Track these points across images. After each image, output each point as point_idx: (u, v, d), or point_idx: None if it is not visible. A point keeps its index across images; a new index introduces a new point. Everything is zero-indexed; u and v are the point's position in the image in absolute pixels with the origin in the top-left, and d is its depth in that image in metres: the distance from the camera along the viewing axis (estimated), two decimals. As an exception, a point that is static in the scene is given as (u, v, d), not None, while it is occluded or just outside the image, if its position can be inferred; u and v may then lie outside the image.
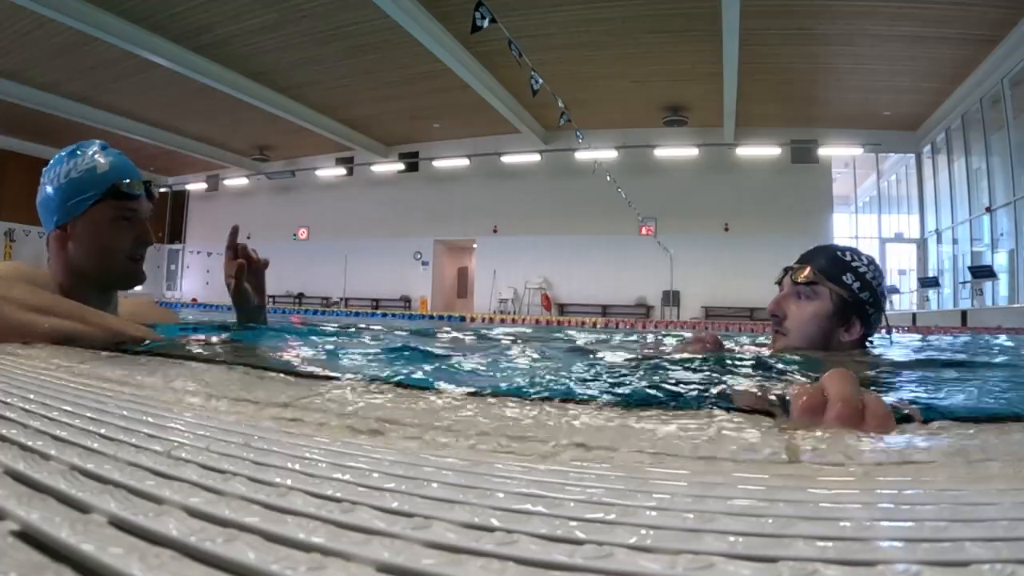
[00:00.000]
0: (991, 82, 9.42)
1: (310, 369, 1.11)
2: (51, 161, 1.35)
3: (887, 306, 1.44)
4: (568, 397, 0.59)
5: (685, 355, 1.56)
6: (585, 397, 0.68)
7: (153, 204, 1.42)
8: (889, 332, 1.80)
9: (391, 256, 15.80)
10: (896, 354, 1.56)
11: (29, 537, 0.24)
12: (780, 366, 1.30)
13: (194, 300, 15.06)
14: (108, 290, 1.40)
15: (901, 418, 0.48)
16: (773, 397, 0.53)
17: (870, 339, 1.42)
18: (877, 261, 1.44)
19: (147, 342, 1.12)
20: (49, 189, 1.32)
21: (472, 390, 0.66)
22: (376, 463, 0.35)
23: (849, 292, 1.34)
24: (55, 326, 1.01)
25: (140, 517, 0.25)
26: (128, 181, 1.34)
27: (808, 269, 1.38)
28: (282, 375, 0.74)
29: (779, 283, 1.46)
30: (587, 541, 0.24)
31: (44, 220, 1.34)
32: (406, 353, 1.59)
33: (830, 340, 1.35)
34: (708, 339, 1.46)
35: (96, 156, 1.33)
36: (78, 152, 1.34)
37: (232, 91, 11.49)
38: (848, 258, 1.38)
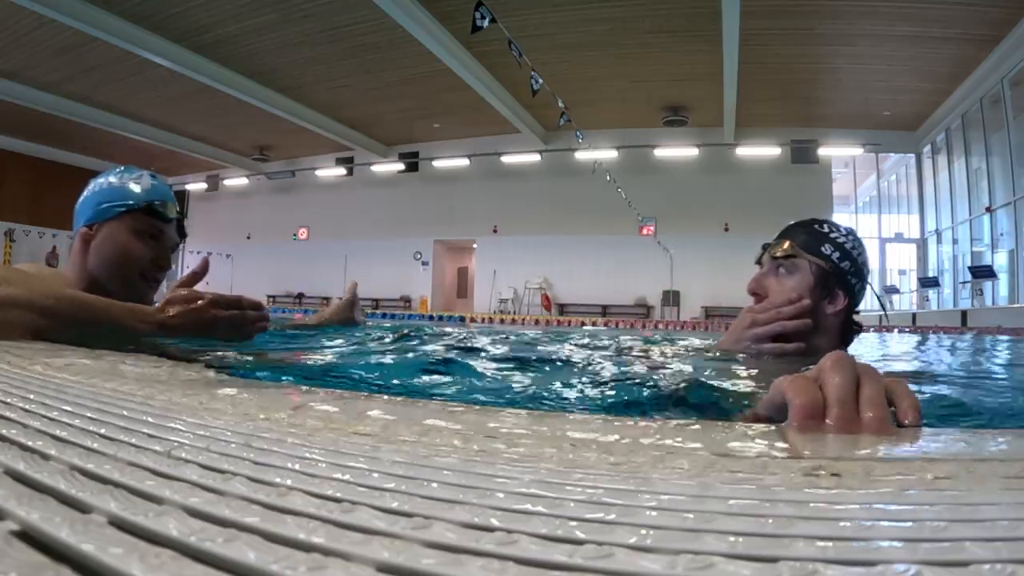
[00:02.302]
0: (991, 82, 9.43)
1: (311, 374, 1.11)
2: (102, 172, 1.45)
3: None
4: (567, 400, 0.59)
5: (690, 355, 1.56)
6: (585, 400, 0.68)
7: (180, 242, 1.47)
8: (884, 310, 1.77)
9: (391, 256, 15.81)
10: (884, 354, 1.56)
11: (29, 537, 0.24)
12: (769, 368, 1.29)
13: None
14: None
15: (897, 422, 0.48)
16: (771, 393, 0.52)
17: (857, 311, 1.39)
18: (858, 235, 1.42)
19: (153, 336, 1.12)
20: (90, 192, 1.39)
21: (473, 394, 0.66)
22: (376, 463, 0.35)
23: (829, 263, 1.32)
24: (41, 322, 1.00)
25: (140, 517, 0.25)
26: (163, 203, 1.40)
27: (787, 243, 1.36)
28: (283, 379, 0.74)
29: (759, 262, 1.44)
30: (587, 541, 0.24)
31: (77, 218, 1.39)
32: (406, 357, 1.59)
33: (815, 315, 1.32)
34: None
35: (143, 176, 1.42)
36: (127, 170, 1.43)
37: (232, 91, 11.50)
38: (826, 229, 1.36)
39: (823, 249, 1.33)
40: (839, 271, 1.32)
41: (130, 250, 1.36)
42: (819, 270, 1.32)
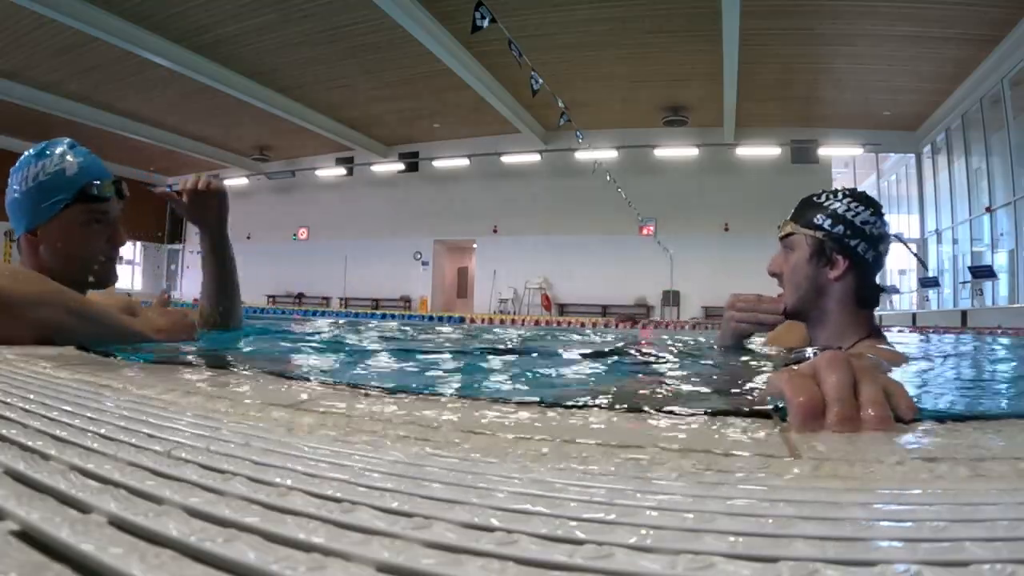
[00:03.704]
0: (991, 82, 9.42)
1: (310, 374, 1.11)
2: (19, 161, 1.30)
3: (891, 238, 1.42)
4: (567, 399, 0.59)
5: (686, 350, 1.57)
6: (586, 398, 0.68)
7: (124, 201, 1.38)
8: (923, 263, 1.75)
9: (391, 256, 15.80)
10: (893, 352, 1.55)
11: (29, 537, 0.24)
12: (771, 363, 1.30)
13: (195, 300, 15.06)
14: (80, 290, 1.40)
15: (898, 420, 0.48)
16: (769, 392, 0.52)
17: (882, 287, 1.41)
18: (873, 197, 1.41)
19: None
20: (18, 192, 1.27)
21: (472, 394, 0.66)
22: (376, 463, 0.35)
23: (822, 231, 1.34)
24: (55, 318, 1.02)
25: (140, 517, 0.25)
26: (99, 183, 1.30)
27: (788, 224, 1.41)
28: (282, 380, 0.74)
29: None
30: (587, 541, 0.24)
31: (14, 223, 1.30)
32: (405, 357, 1.59)
33: (817, 284, 1.35)
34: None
35: (65, 157, 1.29)
36: (47, 152, 1.29)
37: (232, 91, 11.49)
38: (822, 199, 1.38)
39: (815, 220, 1.36)
40: (834, 237, 1.34)
41: (84, 243, 1.30)
42: (814, 241, 1.35)
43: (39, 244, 1.28)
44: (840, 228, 1.34)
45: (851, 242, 1.34)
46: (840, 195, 1.38)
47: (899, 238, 1.45)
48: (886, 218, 1.39)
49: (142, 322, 1.18)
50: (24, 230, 1.28)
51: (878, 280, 1.39)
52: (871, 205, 1.37)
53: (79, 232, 1.29)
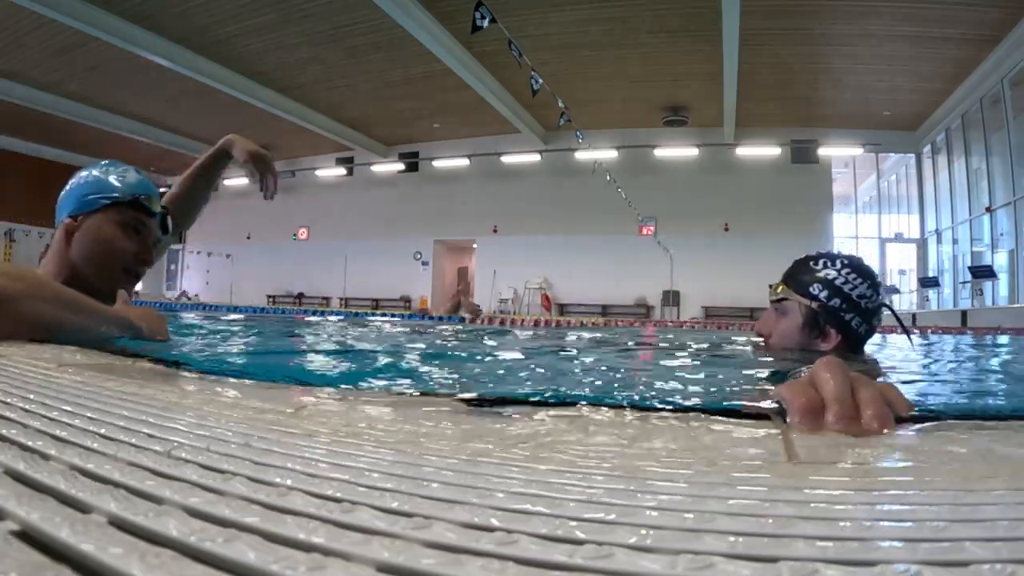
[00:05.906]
0: (991, 82, 9.43)
1: (310, 374, 1.11)
2: (86, 166, 1.45)
3: (884, 308, 1.40)
4: (568, 399, 0.59)
5: (687, 354, 1.57)
6: (586, 398, 0.68)
7: (163, 237, 1.49)
8: (909, 336, 1.73)
9: (391, 256, 15.80)
10: (888, 354, 1.55)
11: (29, 537, 0.24)
12: (773, 365, 1.30)
13: (196, 296, 15.08)
14: (94, 295, 1.41)
15: (897, 419, 0.48)
16: (769, 397, 0.53)
17: (873, 341, 1.40)
18: (866, 262, 1.39)
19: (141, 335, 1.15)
20: (74, 183, 1.40)
21: (472, 394, 0.66)
22: (376, 463, 0.35)
23: (817, 302, 1.32)
24: (53, 314, 1.02)
25: (140, 517, 0.25)
26: (148, 196, 1.41)
27: (780, 286, 1.38)
28: (282, 380, 0.74)
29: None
30: (587, 541, 0.24)
31: (59, 211, 1.39)
32: (405, 356, 1.59)
33: (808, 354, 1.32)
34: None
35: (128, 170, 1.44)
36: (114, 166, 1.44)
37: (232, 91, 11.50)
38: (818, 266, 1.35)
39: (811, 289, 1.33)
40: (828, 309, 1.31)
41: (114, 243, 1.36)
42: (808, 311, 1.33)
43: (75, 231, 1.35)
44: (836, 301, 1.31)
45: (846, 316, 1.31)
46: (838, 263, 1.35)
47: (888, 307, 1.42)
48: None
49: (137, 316, 1.19)
50: (67, 214, 1.36)
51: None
52: (868, 277, 1.34)
53: (116, 232, 1.37)
